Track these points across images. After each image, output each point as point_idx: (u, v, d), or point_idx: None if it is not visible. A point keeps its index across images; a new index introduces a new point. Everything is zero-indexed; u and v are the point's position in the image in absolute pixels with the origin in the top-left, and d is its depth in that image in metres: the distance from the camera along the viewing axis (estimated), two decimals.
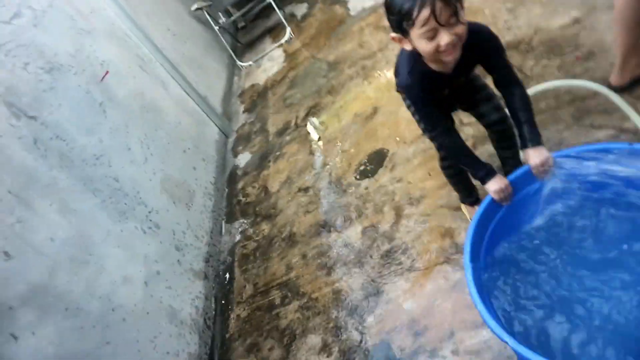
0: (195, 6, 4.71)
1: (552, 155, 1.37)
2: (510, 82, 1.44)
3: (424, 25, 1.19)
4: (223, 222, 3.11)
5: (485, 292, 1.32)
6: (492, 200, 1.44)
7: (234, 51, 5.11)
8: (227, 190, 3.42)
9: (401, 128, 2.65)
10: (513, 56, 2.44)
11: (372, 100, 3.04)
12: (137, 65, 3.18)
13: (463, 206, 2.00)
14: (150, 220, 2.42)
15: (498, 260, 1.45)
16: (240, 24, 6.06)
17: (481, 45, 1.36)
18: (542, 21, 2.50)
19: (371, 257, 2.15)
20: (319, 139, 3.12)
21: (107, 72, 2.74)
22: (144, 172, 2.60)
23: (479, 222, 1.40)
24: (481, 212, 1.42)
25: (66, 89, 2.36)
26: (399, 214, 2.22)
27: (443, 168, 1.88)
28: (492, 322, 1.13)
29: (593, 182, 1.36)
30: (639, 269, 1.29)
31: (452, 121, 1.70)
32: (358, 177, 2.60)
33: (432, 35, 1.22)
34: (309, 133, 3.25)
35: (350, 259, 2.22)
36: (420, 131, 2.48)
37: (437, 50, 1.25)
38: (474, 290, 1.23)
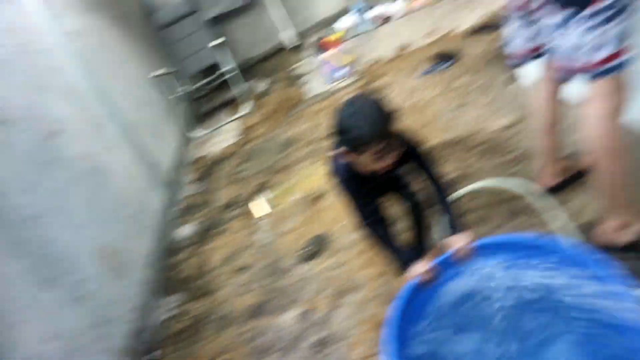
0: (157, 72, 4.80)
1: (473, 243, 1.49)
2: (431, 178, 1.64)
3: (376, 153, 1.40)
4: (158, 295, 2.99)
5: None
6: (413, 285, 1.49)
7: (189, 120, 5.17)
8: (165, 262, 3.32)
9: (346, 214, 2.72)
10: (454, 153, 2.63)
11: (321, 183, 3.13)
12: (91, 126, 3.15)
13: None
14: (79, 290, 2.30)
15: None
16: (199, 94, 6.18)
17: (406, 151, 1.57)
18: (482, 123, 2.73)
19: (305, 344, 2.12)
20: (264, 217, 3.14)
21: (57, 131, 2.70)
22: (81, 237, 2.50)
23: (398, 308, 1.43)
24: (401, 297, 1.45)
25: (10, 145, 2.30)
26: (336, 301, 2.23)
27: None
28: None
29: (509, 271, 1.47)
30: None
31: (379, 203, 1.86)
32: (299, 259, 2.61)
33: (379, 158, 1.43)
34: (254, 210, 3.27)
35: (284, 344, 2.18)
36: None
37: (380, 167, 1.46)
38: None
